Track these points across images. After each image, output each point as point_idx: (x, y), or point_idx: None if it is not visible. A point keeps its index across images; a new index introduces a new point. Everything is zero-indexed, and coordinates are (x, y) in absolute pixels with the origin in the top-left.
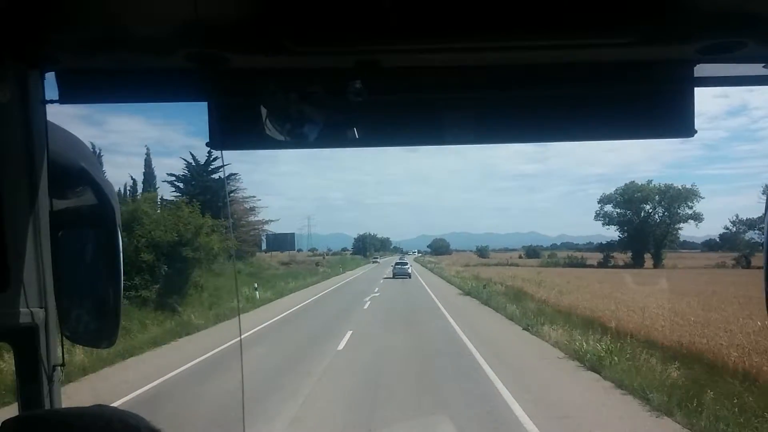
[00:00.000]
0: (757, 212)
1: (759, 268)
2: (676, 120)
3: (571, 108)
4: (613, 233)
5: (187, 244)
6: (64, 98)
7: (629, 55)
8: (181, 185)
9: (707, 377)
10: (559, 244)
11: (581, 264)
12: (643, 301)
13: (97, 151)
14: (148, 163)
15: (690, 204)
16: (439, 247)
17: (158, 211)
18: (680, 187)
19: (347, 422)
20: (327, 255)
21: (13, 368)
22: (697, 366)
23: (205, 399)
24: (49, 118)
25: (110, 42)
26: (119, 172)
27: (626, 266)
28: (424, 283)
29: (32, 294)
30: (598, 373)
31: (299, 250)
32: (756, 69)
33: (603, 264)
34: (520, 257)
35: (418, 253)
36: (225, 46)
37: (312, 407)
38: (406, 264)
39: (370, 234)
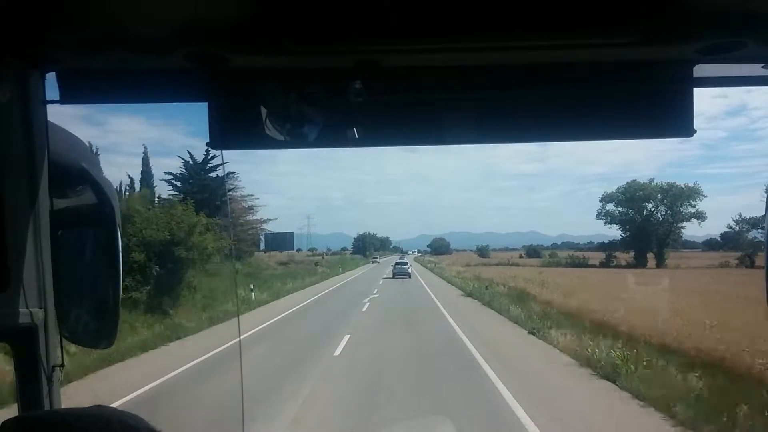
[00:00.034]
0: (758, 211)
1: (763, 268)
2: (675, 120)
3: (571, 108)
4: (614, 232)
5: (179, 243)
6: (65, 98)
7: (629, 55)
8: (178, 184)
9: (734, 388)
10: (559, 243)
11: (583, 264)
12: (651, 302)
13: (94, 150)
14: (145, 162)
15: (693, 202)
16: (439, 247)
17: (150, 209)
18: (683, 186)
19: None
20: (326, 255)
21: (13, 369)
22: (720, 375)
23: (198, 405)
24: (49, 118)
25: (111, 42)
26: (119, 172)
27: (629, 266)
28: (424, 284)
29: (32, 294)
30: (613, 382)
31: (299, 250)
32: (755, 69)
33: (605, 264)
34: (521, 257)
35: (418, 252)
36: (225, 46)
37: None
38: (406, 264)
39: (369, 233)
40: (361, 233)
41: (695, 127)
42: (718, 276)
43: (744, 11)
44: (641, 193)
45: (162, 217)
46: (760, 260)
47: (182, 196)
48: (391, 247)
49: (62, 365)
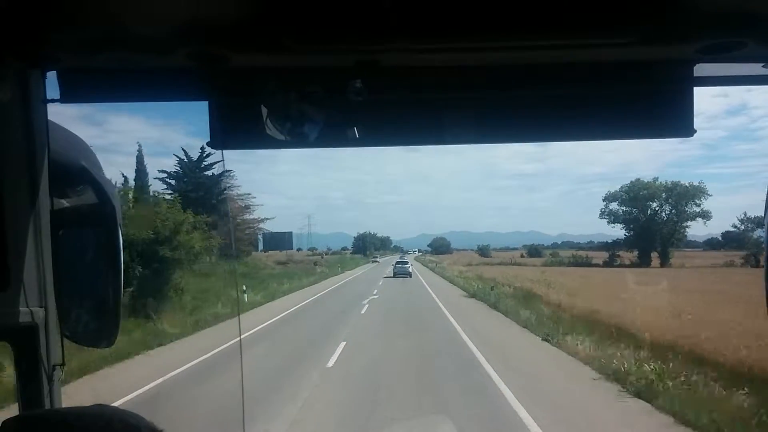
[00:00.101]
0: (758, 211)
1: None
2: (675, 120)
3: (571, 108)
4: (616, 232)
5: (164, 242)
6: (65, 97)
7: (629, 55)
8: (173, 182)
9: None
10: (560, 243)
11: (587, 263)
12: (668, 304)
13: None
14: (139, 160)
15: (697, 201)
16: (439, 246)
17: (132, 206)
18: (687, 185)
19: None
20: (326, 254)
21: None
22: None
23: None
24: (50, 117)
25: (111, 41)
26: (117, 172)
27: (632, 265)
28: (425, 284)
29: (32, 293)
30: (648, 401)
31: (299, 249)
32: (755, 69)
33: (609, 263)
34: (522, 256)
35: (419, 252)
36: (225, 45)
37: None
38: (407, 263)
39: (370, 233)
40: (361, 233)
41: (695, 126)
42: (726, 275)
43: (744, 11)
44: (645, 192)
45: (146, 215)
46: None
47: (177, 194)
48: (392, 246)
49: (63, 364)
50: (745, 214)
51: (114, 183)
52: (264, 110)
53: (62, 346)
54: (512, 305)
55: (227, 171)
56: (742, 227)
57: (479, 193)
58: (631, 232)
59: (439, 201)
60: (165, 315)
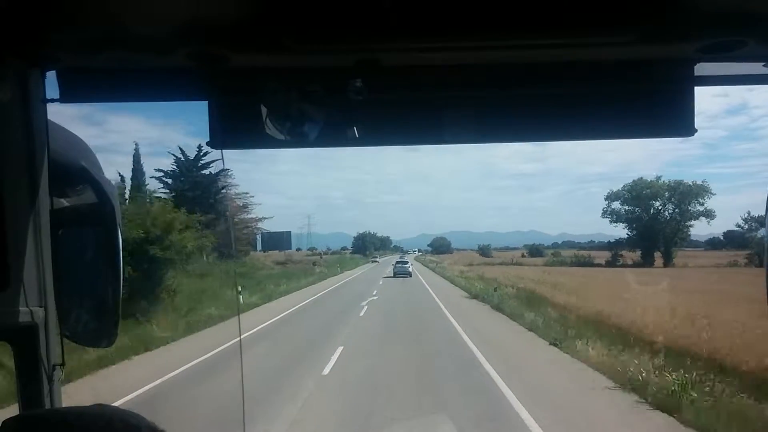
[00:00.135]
0: (759, 210)
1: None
2: (676, 119)
3: (571, 107)
4: (617, 231)
5: (154, 242)
6: (65, 97)
7: (629, 54)
8: (169, 181)
9: None
10: (560, 242)
11: (589, 263)
12: (678, 306)
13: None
14: (136, 160)
15: (701, 200)
16: (440, 246)
17: (125, 205)
18: (691, 183)
19: None
20: (325, 254)
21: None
22: None
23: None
24: (49, 117)
25: (111, 41)
26: (116, 171)
27: (635, 265)
28: (426, 284)
29: (32, 293)
30: (671, 414)
31: (298, 249)
32: (756, 68)
33: (611, 263)
34: (523, 256)
35: (419, 252)
36: (225, 45)
37: None
38: (407, 263)
39: (369, 233)
40: (361, 232)
41: (696, 126)
42: (732, 276)
43: (744, 10)
44: (648, 191)
45: (136, 214)
46: None
47: (173, 193)
48: (392, 246)
49: (63, 364)
50: (749, 213)
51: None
52: (264, 110)
53: (62, 345)
54: (516, 307)
55: (225, 170)
56: (746, 226)
57: (479, 192)
58: (634, 232)
59: (439, 201)
60: (156, 317)
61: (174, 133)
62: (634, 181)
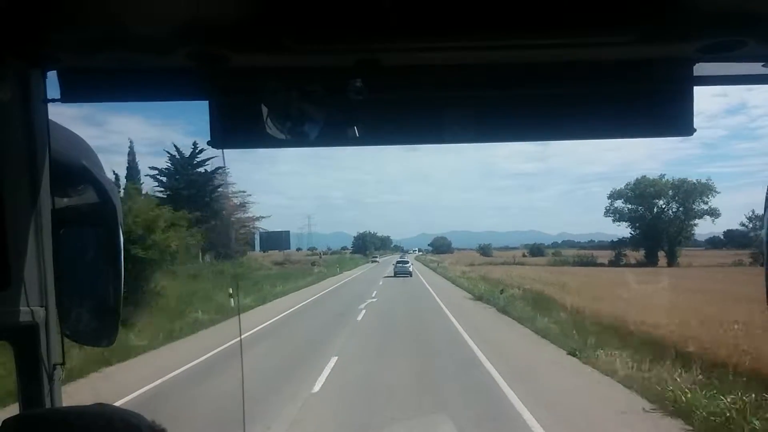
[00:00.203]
0: (760, 209)
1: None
2: (675, 118)
3: (570, 106)
4: (617, 231)
5: (136, 241)
6: (66, 97)
7: (629, 54)
8: (164, 180)
9: None
10: (560, 242)
11: (592, 263)
12: (700, 309)
13: None
14: (131, 158)
15: (705, 199)
16: (440, 246)
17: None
18: (695, 182)
19: None
20: (325, 254)
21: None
22: None
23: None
24: (50, 117)
25: (111, 41)
26: (111, 170)
27: (639, 264)
28: (427, 285)
29: (33, 292)
30: None
31: (299, 249)
32: (755, 68)
33: (615, 263)
34: (524, 255)
35: (419, 251)
36: (225, 44)
37: None
38: (408, 263)
39: (370, 233)
40: (361, 232)
41: (695, 125)
42: (743, 276)
43: (744, 10)
44: (652, 189)
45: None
46: None
47: (168, 192)
48: (392, 246)
49: (63, 363)
50: (753, 211)
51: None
52: (264, 109)
53: (62, 345)
54: (525, 310)
55: (221, 168)
56: (750, 225)
57: (479, 192)
58: (637, 231)
59: (439, 200)
60: (137, 323)
61: (174, 133)
62: (637, 179)
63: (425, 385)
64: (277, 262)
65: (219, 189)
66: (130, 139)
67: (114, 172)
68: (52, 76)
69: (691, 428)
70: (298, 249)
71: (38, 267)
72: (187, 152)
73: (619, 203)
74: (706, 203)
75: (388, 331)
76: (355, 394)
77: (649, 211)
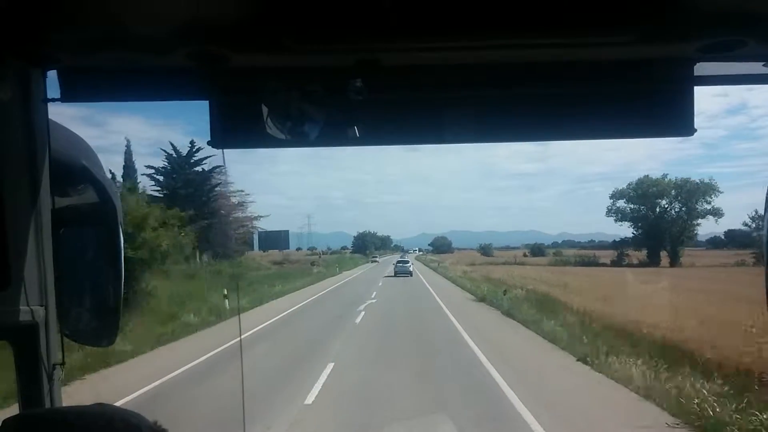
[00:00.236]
0: (761, 209)
1: None
2: (676, 119)
3: (571, 106)
4: (619, 231)
5: (126, 240)
6: (66, 97)
7: (629, 54)
8: (161, 178)
9: None
10: (560, 242)
11: (593, 263)
12: (714, 313)
13: None
14: (127, 157)
15: (708, 199)
16: (441, 245)
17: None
18: (698, 182)
19: None
20: (325, 254)
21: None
22: None
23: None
24: (50, 117)
25: (111, 41)
26: (107, 169)
27: (641, 264)
28: (428, 285)
29: (33, 292)
30: None
31: (299, 249)
32: (756, 68)
33: (617, 262)
34: (525, 255)
35: (420, 251)
36: (226, 44)
37: None
38: (408, 262)
39: (370, 232)
40: (361, 232)
41: (696, 125)
42: (746, 275)
43: (744, 10)
44: (654, 189)
45: None
46: None
47: (165, 191)
48: (392, 246)
49: (63, 363)
50: (755, 211)
51: None
52: (264, 109)
53: (62, 345)
54: (531, 312)
55: (218, 167)
56: (753, 225)
57: (479, 192)
58: (639, 231)
59: (439, 200)
60: (130, 325)
61: (174, 133)
62: (639, 179)
63: (428, 396)
64: (275, 262)
65: (217, 188)
66: (126, 138)
67: (110, 171)
68: (52, 75)
69: None
70: (298, 249)
71: (38, 267)
72: (184, 151)
73: (621, 203)
74: (709, 203)
75: (387, 335)
76: (352, 406)
77: (651, 210)
